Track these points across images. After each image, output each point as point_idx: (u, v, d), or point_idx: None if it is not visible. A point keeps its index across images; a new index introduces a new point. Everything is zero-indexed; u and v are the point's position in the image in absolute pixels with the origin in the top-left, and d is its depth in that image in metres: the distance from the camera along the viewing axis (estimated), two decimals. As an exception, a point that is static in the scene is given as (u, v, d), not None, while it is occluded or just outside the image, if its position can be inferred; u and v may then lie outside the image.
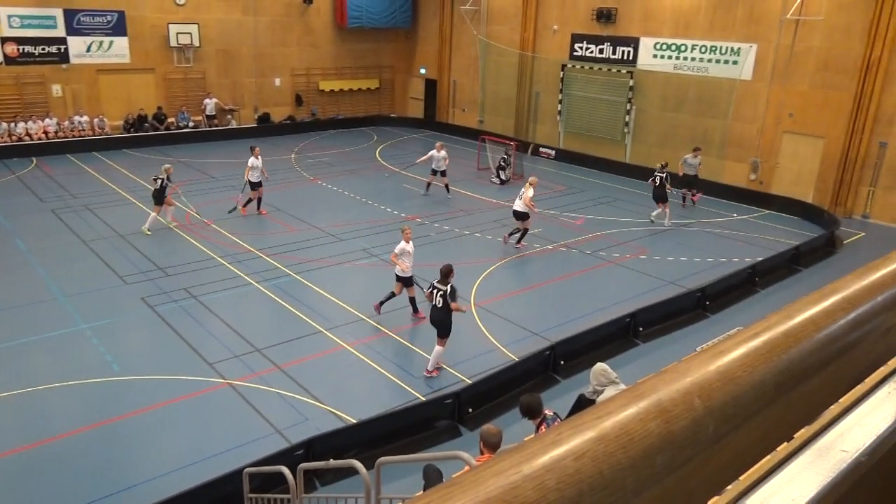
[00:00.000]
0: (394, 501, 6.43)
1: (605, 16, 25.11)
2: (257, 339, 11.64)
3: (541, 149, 27.68)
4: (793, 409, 1.02)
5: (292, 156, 25.87)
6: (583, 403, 7.39)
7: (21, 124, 24.46)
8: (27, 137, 24.55)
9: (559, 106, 27.59)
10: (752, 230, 18.75)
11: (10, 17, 23.91)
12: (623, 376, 7.58)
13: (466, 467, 5.12)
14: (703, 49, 22.86)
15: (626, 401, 0.83)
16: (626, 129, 25.58)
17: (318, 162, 25.22)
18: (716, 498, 0.98)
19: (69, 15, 24.98)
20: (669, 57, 23.79)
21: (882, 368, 1.30)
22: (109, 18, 25.77)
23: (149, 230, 16.65)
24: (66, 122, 25.44)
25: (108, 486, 8.06)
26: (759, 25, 21.42)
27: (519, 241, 16.46)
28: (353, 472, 7.08)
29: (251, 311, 12.86)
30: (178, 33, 26.95)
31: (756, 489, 1.02)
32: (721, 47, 22.37)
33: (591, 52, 26.11)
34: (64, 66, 25.35)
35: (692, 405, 0.85)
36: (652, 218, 18.78)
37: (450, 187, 20.81)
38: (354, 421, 9.26)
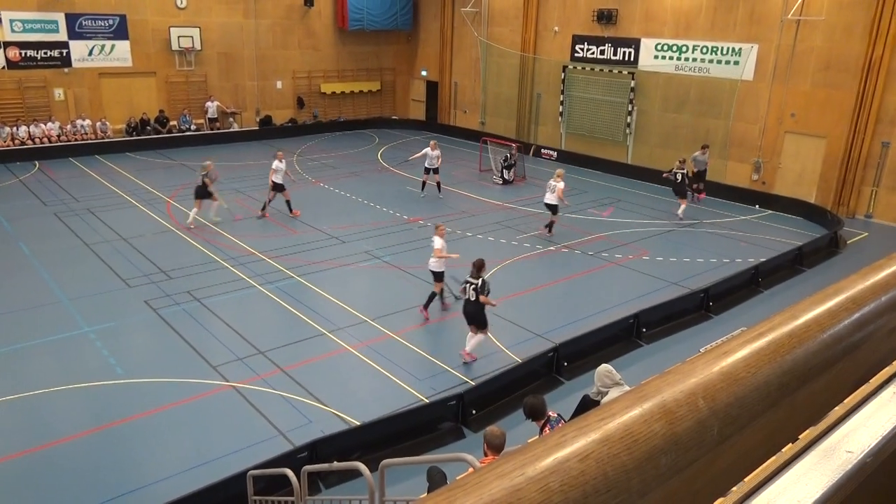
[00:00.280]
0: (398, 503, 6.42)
1: (605, 17, 25.11)
2: (260, 341, 11.65)
3: (542, 150, 27.67)
4: (798, 410, 1.02)
5: (294, 158, 25.88)
6: (587, 405, 7.38)
7: (23, 128, 24.52)
8: (30, 141, 24.61)
9: (560, 107, 27.59)
10: (754, 230, 18.73)
11: (12, 21, 23.98)
12: (627, 377, 7.58)
13: (470, 469, 5.12)
14: (704, 50, 22.85)
15: (631, 402, 0.83)
16: (627, 130, 25.56)
17: (320, 164, 25.25)
18: (721, 499, 0.98)
19: (71, 19, 25.04)
20: (670, 58, 23.78)
21: (887, 369, 1.30)
22: (111, 22, 25.83)
23: (190, 223, 17.32)
24: (69, 126, 25.50)
25: (111, 489, 8.07)
26: (759, 26, 21.41)
27: (550, 230, 17.49)
28: (356, 474, 7.08)
29: (254, 314, 12.87)
30: (179, 37, 27.01)
31: (761, 490, 1.02)
32: (722, 48, 22.36)
33: (593, 53, 26.11)
34: (66, 69, 25.42)
35: (696, 406, 0.84)
36: (679, 215, 19.19)
37: (441, 186, 20.92)
38: (358, 423, 9.25)
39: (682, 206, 19.18)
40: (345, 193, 21.27)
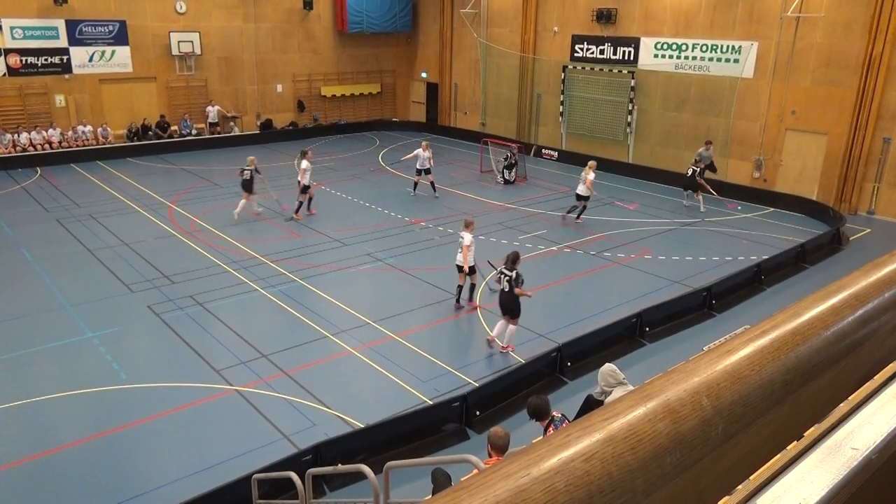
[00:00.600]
0: (402, 506, 6.42)
1: (605, 16, 25.11)
2: (263, 345, 11.66)
3: (543, 150, 27.67)
4: (802, 408, 1.02)
5: (295, 162, 25.90)
6: (591, 405, 7.38)
7: (24, 135, 24.57)
8: (31, 148, 24.66)
9: (561, 107, 27.60)
10: (756, 228, 18.71)
11: (12, 28, 24.04)
12: (630, 377, 7.57)
13: (475, 471, 5.12)
14: (704, 48, 22.84)
15: (635, 402, 0.83)
16: (628, 130, 25.56)
17: (322, 167, 25.22)
18: (726, 498, 0.98)
19: (71, 25, 25.10)
20: (670, 56, 23.78)
21: (891, 365, 1.29)
22: (111, 28, 25.88)
23: (237, 216, 18.14)
24: (70, 132, 25.55)
25: (116, 494, 8.07)
26: (759, 23, 21.40)
27: (578, 217, 18.63)
28: (361, 476, 7.07)
29: (257, 318, 12.88)
30: (179, 42, 27.06)
31: (766, 488, 1.01)
32: (722, 46, 22.35)
33: (592, 52, 26.12)
34: (66, 76, 25.47)
35: (701, 405, 0.84)
36: (702, 209, 19.81)
37: (435, 186, 21.13)
38: (362, 425, 9.25)
39: (700, 198, 19.82)
40: (346, 196, 21.29)
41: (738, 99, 22.20)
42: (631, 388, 6.61)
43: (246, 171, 18.22)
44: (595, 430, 0.77)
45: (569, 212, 18.77)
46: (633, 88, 25.06)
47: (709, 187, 20.15)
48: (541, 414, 6.96)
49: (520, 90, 28.92)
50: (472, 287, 13.27)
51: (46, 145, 24.98)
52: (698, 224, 18.96)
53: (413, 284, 14.42)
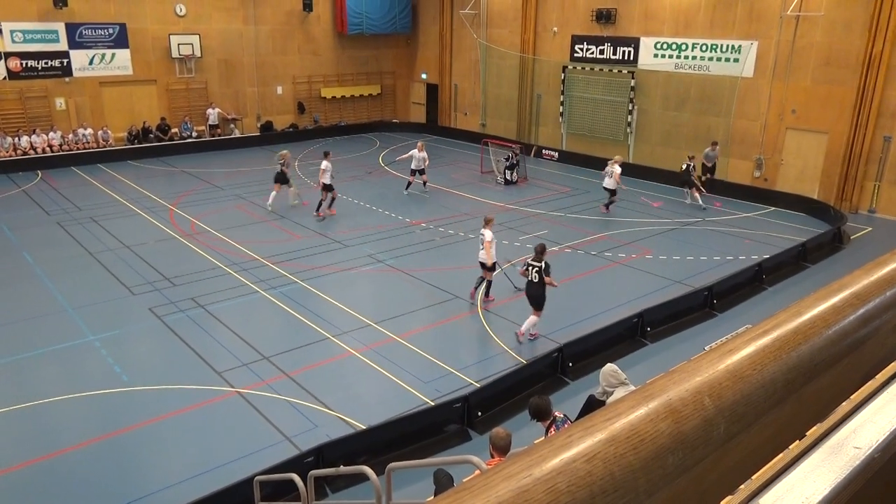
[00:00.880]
0: (404, 507, 6.42)
1: (604, 16, 25.12)
2: (265, 346, 11.66)
3: (544, 151, 27.67)
4: (804, 407, 1.02)
5: (295, 163, 25.90)
6: (592, 405, 7.37)
7: (25, 138, 24.59)
8: (32, 151, 24.68)
9: (561, 108, 27.60)
10: (757, 227, 18.70)
11: (12, 32, 24.07)
12: (632, 377, 7.57)
13: (477, 471, 5.11)
14: (704, 47, 22.84)
15: (636, 402, 0.83)
16: (628, 130, 25.56)
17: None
18: (729, 497, 0.98)
19: (71, 29, 25.13)
20: (670, 56, 23.78)
21: (893, 364, 1.29)
22: (111, 31, 25.91)
23: (271, 206, 19.09)
24: (70, 135, 25.57)
25: (118, 497, 8.08)
26: (759, 22, 21.40)
27: (607, 207, 19.69)
28: (363, 478, 7.07)
29: (258, 319, 12.88)
30: (179, 44, 27.08)
31: (769, 488, 1.01)
32: (722, 45, 22.35)
33: (592, 52, 26.12)
34: (67, 79, 25.49)
35: (702, 405, 0.84)
36: (700, 203, 20.29)
37: (427, 184, 21.61)
38: (364, 427, 9.25)
39: (696, 195, 20.21)
40: (346, 197, 21.28)
41: (738, 98, 22.20)
42: (633, 388, 6.61)
43: (279, 165, 19.28)
44: (597, 430, 0.77)
45: (606, 206, 19.79)
46: (633, 88, 25.06)
47: (699, 184, 20.35)
48: (542, 414, 6.95)
49: (520, 91, 28.92)
50: (489, 283, 13.39)
51: (47, 148, 25.00)
52: (699, 224, 18.96)
53: (414, 286, 14.42)
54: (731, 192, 21.69)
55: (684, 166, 20.50)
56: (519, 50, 28.43)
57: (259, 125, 30.08)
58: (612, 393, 7.05)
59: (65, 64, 25.29)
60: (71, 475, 8.51)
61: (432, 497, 6.57)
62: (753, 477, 1.01)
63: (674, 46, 23.62)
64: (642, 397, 0.83)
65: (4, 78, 24.24)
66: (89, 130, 25.85)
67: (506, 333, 12.27)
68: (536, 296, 11.60)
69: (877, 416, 1.15)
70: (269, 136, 29.71)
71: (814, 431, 1.12)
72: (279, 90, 30.65)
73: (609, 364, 7.44)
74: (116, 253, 16.10)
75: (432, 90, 33.57)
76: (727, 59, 22.30)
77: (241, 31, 28.92)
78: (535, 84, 28.53)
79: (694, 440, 0.81)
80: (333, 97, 32.20)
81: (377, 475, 5.71)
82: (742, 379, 0.90)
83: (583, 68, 26.57)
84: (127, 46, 26.33)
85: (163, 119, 27.52)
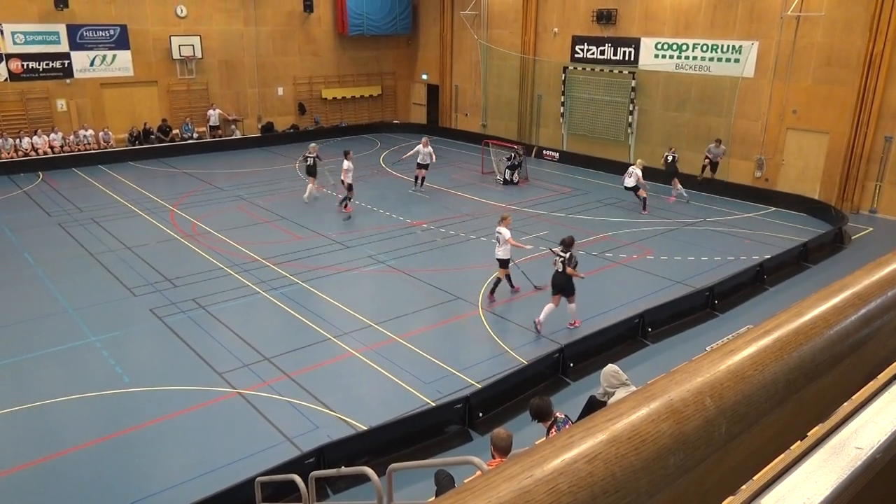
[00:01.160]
0: (406, 508, 6.41)
1: (605, 17, 25.12)
2: (266, 347, 11.66)
3: (544, 151, 27.68)
4: (805, 407, 1.02)
5: (296, 164, 25.94)
6: (594, 406, 7.36)
7: (26, 139, 24.62)
8: (33, 152, 24.71)
9: (562, 108, 27.60)
10: (758, 228, 18.69)
11: (13, 33, 24.10)
12: (633, 377, 7.56)
13: (478, 472, 5.11)
14: (705, 48, 22.84)
15: (638, 402, 0.83)
16: (629, 130, 25.56)
17: (323, 170, 25.26)
18: (730, 498, 0.98)
19: (72, 30, 25.15)
20: (671, 56, 23.78)
21: (895, 364, 1.29)
22: (112, 32, 25.93)
23: (307, 199, 20.18)
24: (72, 137, 25.60)
25: (120, 498, 8.08)
26: (759, 23, 21.40)
27: (645, 207, 19.94)
28: (364, 479, 7.07)
29: (259, 320, 12.88)
30: (180, 45, 27.10)
31: (770, 488, 1.01)
32: (722, 45, 22.35)
33: (593, 53, 26.13)
34: (68, 80, 25.52)
35: (704, 405, 0.84)
36: (684, 194, 21.07)
37: (424, 181, 21.89)
38: (365, 428, 9.25)
39: (680, 186, 20.91)
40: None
41: (738, 98, 22.20)
42: (634, 388, 6.61)
43: (309, 158, 20.08)
44: (598, 430, 0.77)
45: (644, 208, 20.04)
46: (633, 89, 25.06)
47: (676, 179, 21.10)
48: (543, 415, 6.95)
49: (520, 91, 28.93)
50: (499, 281, 13.58)
51: (48, 150, 25.03)
52: (700, 224, 18.95)
53: (415, 286, 14.42)
54: (731, 192, 21.70)
55: (670, 158, 21.07)
56: (520, 51, 28.44)
57: (260, 126, 30.10)
58: (613, 394, 7.04)
59: (66, 65, 25.31)
60: (73, 476, 8.51)
61: (433, 498, 6.57)
62: (755, 477, 1.01)
63: (674, 47, 23.62)
64: (643, 398, 0.83)
65: (6, 79, 24.27)
66: (90, 132, 25.87)
67: (507, 334, 12.27)
68: (559, 285, 11.99)
69: (878, 417, 1.15)
70: (269, 138, 29.73)
71: (815, 432, 1.12)
72: (280, 91, 30.67)
73: (610, 365, 7.44)
74: (117, 254, 16.11)
75: (433, 91, 33.58)
76: (728, 60, 22.30)
77: (241, 32, 28.94)
78: (535, 85, 28.54)
79: (695, 441, 0.81)
80: (334, 98, 32.21)
81: (378, 476, 5.71)
82: (743, 379, 0.90)
83: (583, 69, 26.58)
84: (128, 48, 26.36)
85: (164, 120, 27.54)
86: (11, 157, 24.20)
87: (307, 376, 10.77)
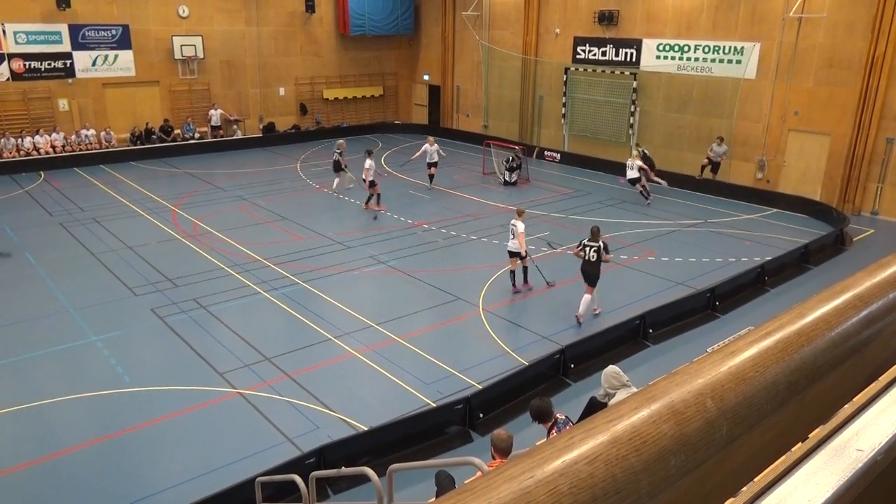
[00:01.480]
0: (406, 508, 6.41)
1: (606, 18, 25.12)
2: (267, 347, 11.67)
3: (546, 152, 27.67)
4: (807, 409, 1.01)
5: (297, 164, 25.97)
6: (594, 407, 7.35)
7: (28, 139, 24.64)
8: (35, 152, 24.73)
9: (563, 109, 27.60)
10: (760, 229, 18.68)
11: (16, 33, 24.13)
12: (634, 378, 7.56)
13: (478, 473, 5.11)
14: (706, 49, 22.84)
15: (638, 403, 0.83)
16: (630, 131, 25.55)
17: (324, 170, 25.27)
18: (731, 500, 0.98)
19: (74, 30, 25.18)
20: (672, 58, 23.78)
21: (896, 366, 1.29)
22: (114, 32, 25.96)
23: (335, 191, 21.26)
24: (73, 136, 25.62)
25: (120, 498, 8.08)
26: (761, 24, 21.39)
27: (647, 197, 20.71)
28: (365, 479, 7.07)
29: (260, 321, 12.89)
30: (182, 46, 27.13)
31: (772, 490, 1.01)
32: (724, 47, 22.34)
33: (594, 54, 26.13)
34: (70, 80, 25.55)
35: (705, 407, 0.84)
36: (662, 184, 21.77)
37: (433, 179, 22.29)
38: (365, 428, 9.25)
39: (657, 178, 21.49)
40: (349, 198, 21.31)
41: (740, 100, 22.19)
42: (634, 390, 6.60)
43: (336, 154, 20.97)
44: (599, 432, 0.77)
45: (647, 200, 20.75)
46: (635, 90, 25.06)
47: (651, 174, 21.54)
48: (543, 416, 6.94)
49: (522, 92, 28.93)
50: (526, 270, 13.98)
51: (50, 149, 25.06)
52: (701, 226, 18.95)
53: (416, 287, 14.42)
54: (733, 193, 21.69)
55: (644, 152, 21.48)
56: (521, 51, 28.44)
57: (261, 126, 30.12)
58: (613, 395, 7.04)
59: (68, 65, 25.34)
60: (73, 476, 8.52)
61: (434, 499, 6.57)
62: (756, 479, 1.01)
63: (676, 48, 23.61)
64: (644, 399, 0.83)
65: (8, 79, 24.30)
66: (92, 131, 25.90)
67: (507, 335, 12.27)
68: (593, 273, 12.61)
69: (880, 419, 1.15)
70: (271, 138, 29.75)
71: (816, 434, 1.11)
72: (281, 91, 30.69)
73: (611, 366, 7.43)
74: (119, 254, 16.12)
75: (434, 92, 33.59)
76: (730, 61, 22.29)
77: (243, 32, 28.96)
78: (537, 86, 28.54)
79: (696, 442, 0.81)
80: (336, 98, 32.23)
81: (378, 476, 5.71)
82: (745, 381, 0.90)
83: (585, 70, 26.58)
84: (130, 48, 26.39)
85: (165, 120, 27.57)
86: (13, 157, 24.23)
87: (308, 376, 10.78)
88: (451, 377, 10.78)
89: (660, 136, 24.70)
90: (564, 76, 27.17)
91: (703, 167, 22.08)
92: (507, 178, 23.14)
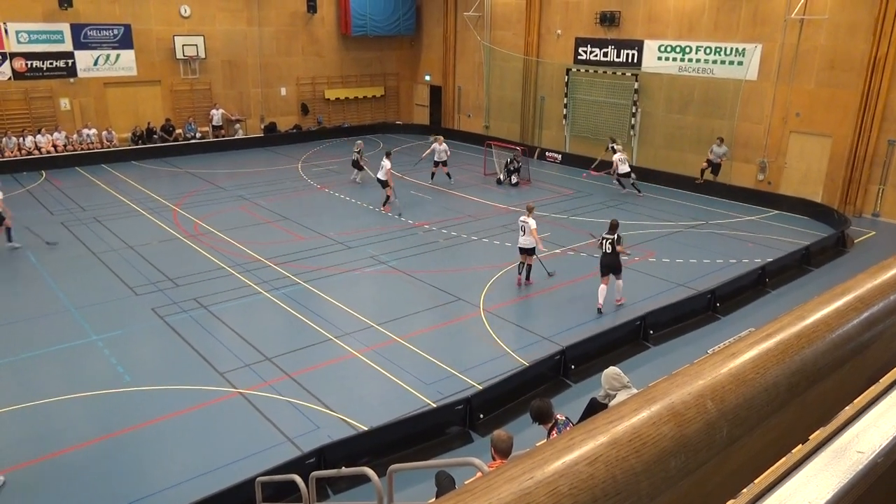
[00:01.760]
0: (406, 509, 6.41)
1: (608, 19, 25.11)
2: (267, 347, 11.67)
3: (547, 153, 27.67)
4: (807, 411, 1.01)
5: (299, 165, 25.98)
6: (595, 408, 7.35)
7: (30, 138, 24.65)
8: (36, 151, 24.75)
9: (564, 110, 27.59)
10: (761, 231, 18.67)
11: (18, 32, 24.14)
12: (634, 380, 7.55)
13: (479, 473, 5.11)
14: (708, 50, 22.83)
15: (639, 405, 0.83)
16: (631, 132, 25.54)
17: (325, 170, 25.30)
18: (731, 501, 0.98)
19: (76, 29, 25.20)
20: (674, 59, 23.77)
21: (896, 368, 1.29)
22: (116, 32, 25.98)
23: (360, 180, 22.73)
24: (75, 136, 25.63)
25: (120, 497, 8.08)
26: (763, 26, 21.38)
27: (638, 191, 21.84)
28: (365, 479, 7.07)
29: (261, 320, 12.89)
30: (183, 45, 27.14)
31: (772, 492, 1.01)
32: (725, 48, 22.33)
33: (596, 55, 26.12)
34: (71, 79, 25.57)
35: (705, 408, 0.84)
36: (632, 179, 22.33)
37: (451, 175, 22.88)
38: (366, 428, 9.25)
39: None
40: (349, 198, 21.32)
41: (741, 101, 22.18)
42: (635, 391, 6.59)
43: (355, 154, 22.47)
44: (599, 433, 0.77)
45: (639, 191, 21.75)
46: (636, 91, 25.05)
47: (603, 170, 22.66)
48: (544, 417, 6.93)
49: (523, 93, 28.93)
50: (529, 267, 14.28)
51: (51, 149, 25.07)
52: (702, 227, 18.94)
53: (417, 287, 14.42)
54: (734, 195, 21.67)
55: (609, 147, 22.68)
56: (523, 52, 28.44)
57: (263, 126, 30.13)
58: (614, 396, 7.03)
59: (69, 64, 25.36)
60: (73, 475, 8.52)
61: (434, 499, 6.57)
62: (756, 481, 1.01)
63: (677, 49, 23.61)
64: (645, 400, 0.83)
65: (10, 78, 24.32)
66: (93, 131, 25.91)
67: (508, 335, 12.27)
68: (611, 264, 13.03)
69: (880, 421, 1.15)
70: (272, 138, 29.76)
71: (817, 436, 1.11)
72: (283, 91, 30.70)
73: (611, 367, 7.42)
74: (120, 253, 16.13)
75: (436, 92, 33.59)
76: (731, 62, 22.28)
77: (245, 32, 28.98)
78: (538, 86, 28.53)
79: (696, 443, 0.81)
80: (337, 99, 32.23)
81: (379, 476, 5.71)
82: (745, 382, 0.90)
83: (586, 71, 26.57)
84: (131, 47, 26.40)
85: (167, 120, 27.58)
86: (15, 156, 24.24)
87: (308, 376, 10.78)
88: (451, 377, 10.78)
89: (661, 137, 24.69)
90: (566, 77, 27.16)
91: (702, 171, 22.08)
92: (502, 178, 23.24)
